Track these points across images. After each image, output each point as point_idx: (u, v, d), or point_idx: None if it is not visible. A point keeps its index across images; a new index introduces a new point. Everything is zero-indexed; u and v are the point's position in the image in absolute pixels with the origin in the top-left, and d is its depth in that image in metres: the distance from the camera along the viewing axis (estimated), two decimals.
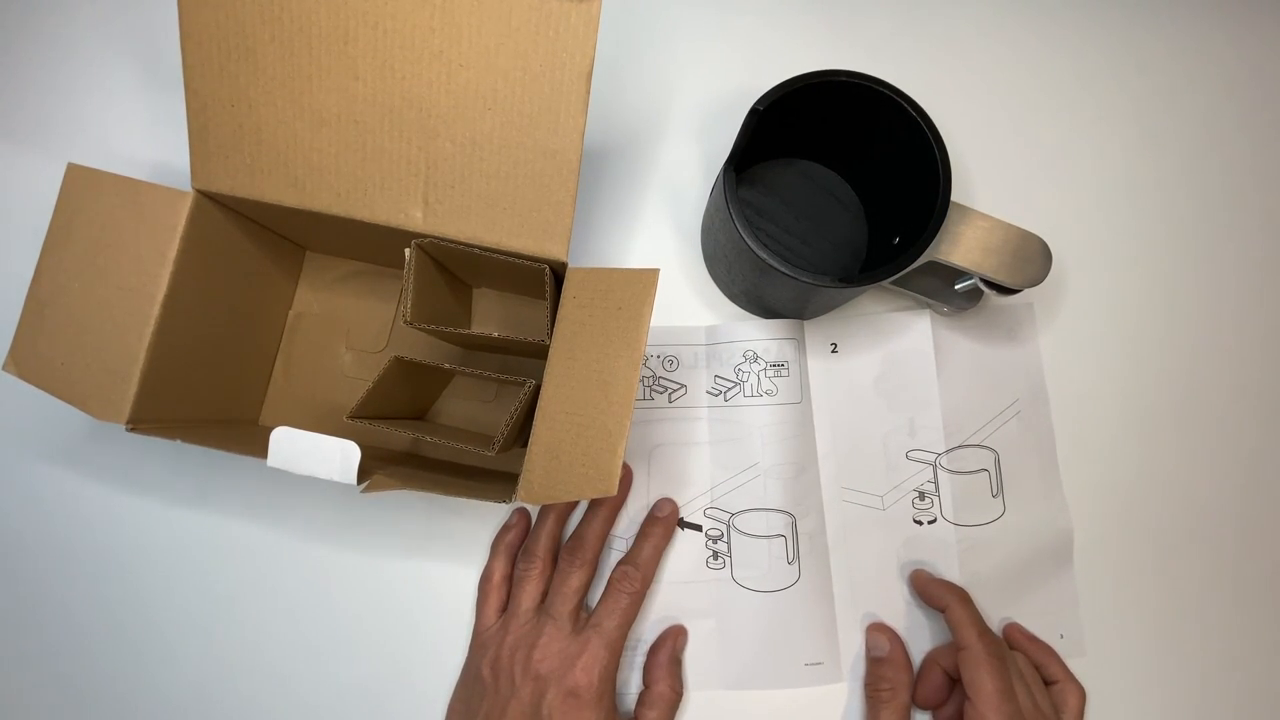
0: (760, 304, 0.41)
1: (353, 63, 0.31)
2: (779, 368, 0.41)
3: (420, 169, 0.32)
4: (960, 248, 0.35)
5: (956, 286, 0.40)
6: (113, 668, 0.40)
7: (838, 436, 0.41)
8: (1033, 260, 0.36)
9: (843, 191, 0.43)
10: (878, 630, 0.39)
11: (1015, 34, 0.46)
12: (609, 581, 0.37)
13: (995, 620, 0.40)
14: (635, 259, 0.43)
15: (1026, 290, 0.37)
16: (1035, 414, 0.42)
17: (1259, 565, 0.41)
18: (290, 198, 0.32)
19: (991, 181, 0.43)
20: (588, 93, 0.30)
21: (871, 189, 0.41)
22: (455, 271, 0.38)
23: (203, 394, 0.36)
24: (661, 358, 0.42)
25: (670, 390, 0.42)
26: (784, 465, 0.40)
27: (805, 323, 0.42)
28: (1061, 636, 0.40)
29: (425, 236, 0.32)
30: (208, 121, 0.32)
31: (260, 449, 0.31)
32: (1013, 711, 0.33)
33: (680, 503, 0.40)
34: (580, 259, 0.43)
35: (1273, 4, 0.47)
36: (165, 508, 0.41)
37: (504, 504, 0.32)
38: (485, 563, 0.40)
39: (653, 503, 0.40)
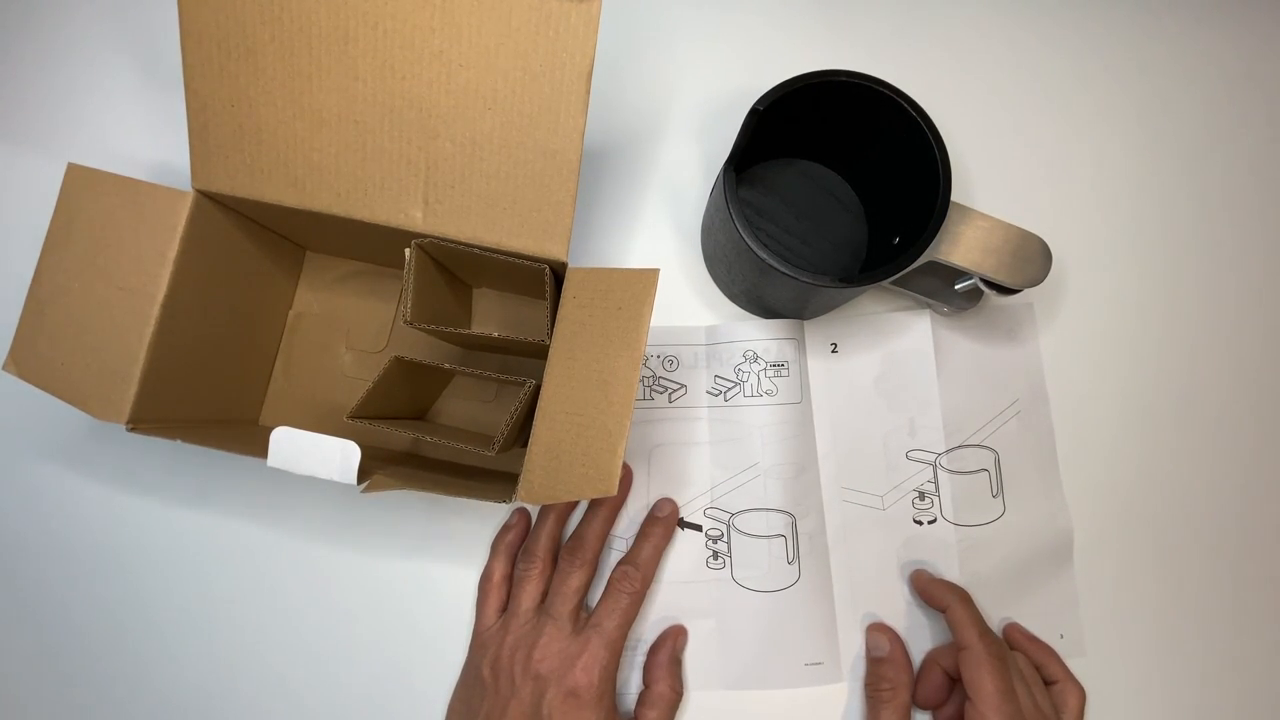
0: (760, 304, 0.41)
1: (353, 63, 0.31)
2: (779, 368, 0.41)
3: (420, 169, 0.32)
4: (960, 248, 0.35)
5: (956, 286, 0.40)
6: (112, 667, 0.40)
7: (838, 436, 0.41)
8: (1033, 260, 0.36)
9: (843, 191, 0.43)
10: (878, 630, 0.39)
11: (1015, 34, 0.46)
12: (609, 581, 0.37)
13: (995, 620, 0.40)
14: (635, 259, 0.43)
15: (1026, 290, 0.37)
16: (1035, 414, 0.42)
17: (1259, 565, 0.41)
18: (290, 198, 0.32)
19: (991, 181, 0.43)
20: (588, 93, 0.30)
21: (871, 189, 0.41)
22: (455, 271, 0.38)
23: (203, 394, 0.36)
24: (661, 358, 0.42)
25: (670, 390, 0.42)
26: (784, 465, 0.40)
27: (805, 323, 0.42)
28: (1061, 636, 0.40)
29: (425, 236, 0.32)
30: (208, 121, 0.32)
31: (260, 449, 0.31)
32: (1013, 711, 0.33)
33: (680, 503, 0.40)
34: (580, 259, 0.43)
35: (1273, 4, 0.47)
36: (165, 508, 0.41)
37: (504, 504, 0.32)
38: (485, 563, 0.40)
39: (653, 503, 0.40)
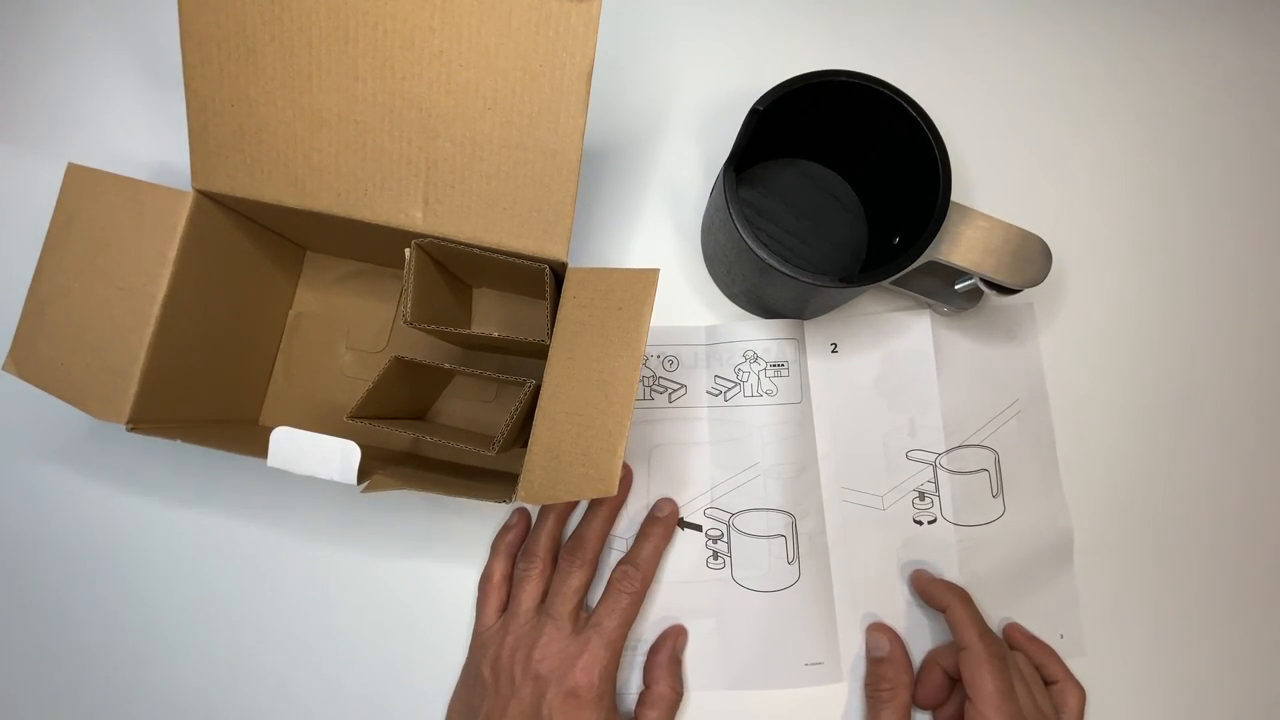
0: (760, 304, 0.41)
1: (353, 63, 0.31)
2: (779, 368, 0.41)
3: (420, 169, 0.32)
4: (960, 248, 0.35)
5: (956, 286, 0.40)
6: (112, 667, 0.40)
7: (838, 436, 0.41)
8: (1033, 260, 0.36)
9: (843, 191, 0.43)
10: (878, 630, 0.39)
11: (1015, 34, 0.46)
12: (609, 581, 0.37)
13: (995, 620, 0.40)
14: (635, 259, 0.43)
15: (1026, 290, 0.37)
16: (1035, 414, 0.42)
17: (1259, 565, 0.41)
18: (290, 198, 0.32)
19: (991, 181, 0.43)
20: (588, 93, 0.30)
21: (871, 189, 0.41)
22: (455, 271, 0.38)
23: (203, 394, 0.36)
24: (661, 358, 0.42)
25: (670, 390, 0.42)
26: (784, 465, 0.40)
27: (805, 323, 0.42)
28: (1061, 636, 0.40)
29: (425, 236, 0.32)
30: (208, 121, 0.32)
31: (260, 449, 0.31)
32: (1013, 711, 0.33)
33: (680, 503, 0.40)
34: (580, 259, 0.43)
35: (1273, 4, 0.47)
36: (165, 508, 0.41)
37: (504, 504, 0.32)
38: (485, 563, 0.40)
39: (653, 503, 0.40)
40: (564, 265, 0.32)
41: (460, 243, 0.32)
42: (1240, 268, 0.44)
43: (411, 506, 0.41)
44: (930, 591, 0.39)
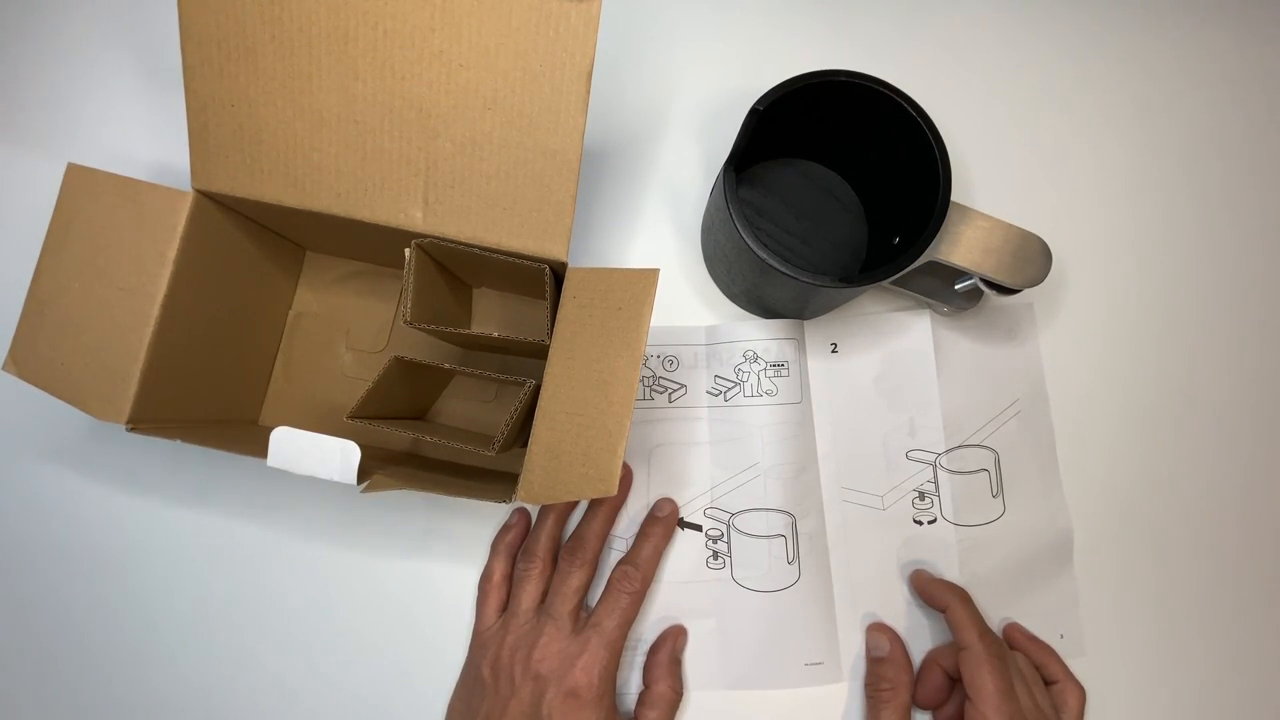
0: (760, 304, 0.41)
1: (353, 63, 0.31)
2: (779, 368, 0.41)
3: (420, 169, 0.32)
4: (960, 248, 0.35)
5: (956, 286, 0.40)
6: (112, 667, 0.40)
7: (838, 436, 0.41)
8: (1033, 260, 0.36)
9: (843, 191, 0.43)
10: (878, 630, 0.39)
11: (1016, 34, 0.46)
12: (609, 581, 0.37)
13: (995, 620, 0.40)
14: (635, 259, 0.43)
15: (1026, 290, 0.37)
16: (1035, 414, 0.42)
17: (1259, 565, 0.41)
18: (290, 198, 0.32)
19: (991, 181, 0.43)
20: (588, 93, 0.30)
21: (871, 189, 0.41)
22: (455, 271, 0.38)
23: (203, 394, 0.36)
24: (661, 358, 0.42)
25: (670, 390, 0.42)
26: (784, 465, 0.40)
27: (805, 323, 0.42)
28: (1061, 636, 0.40)
29: (425, 236, 0.32)
30: (208, 121, 0.32)
31: (260, 449, 0.31)
32: (1013, 711, 0.33)
33: (680, 503, 0.40)
34: (580, 259, 0.43)
35: (1273, 4, 0.47)
36: (165, 508, 0.41)
37: (504, 504, 0.32)
38: (485, 563, 0.40)
39: (653, 503, 0.40)
40: (564, 265, 0.32)
41: (460, 243, 0.32)
42: (1240, 268, 0.44)
43: (411, 506, 0.41)
44: (930, 591, 0.39)
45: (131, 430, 0.31)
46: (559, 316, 0.32)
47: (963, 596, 0.37)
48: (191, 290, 0.33)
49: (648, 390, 0.42)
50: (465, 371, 0.34)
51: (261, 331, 0.40)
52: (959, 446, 0.41)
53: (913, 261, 0.34)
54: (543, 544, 0.38)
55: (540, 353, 0.33)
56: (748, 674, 0.39)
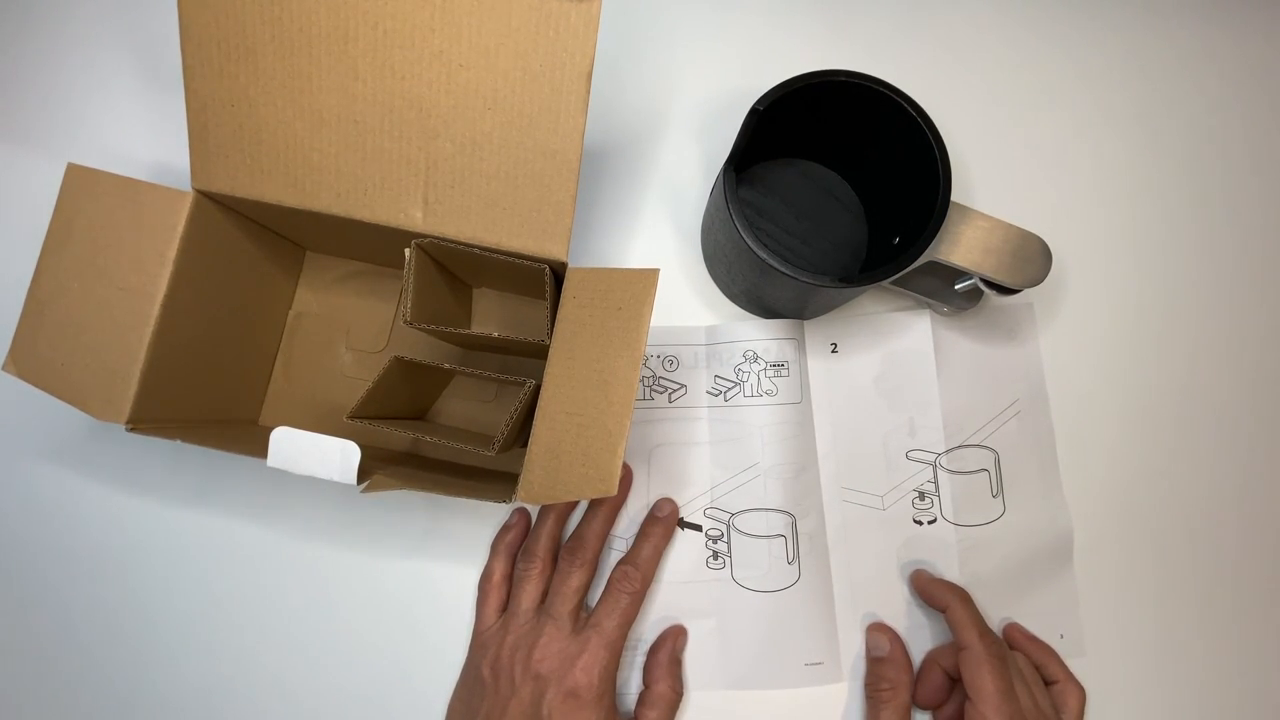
0: (760, 304, 0.41)
1: (353, 63, 0.31)
2: (779, 368, 0.41)
3: (420, 169, 0.32)
4: (960, 248, 0.35)
5: (956, 286, 0.40)
6: (112, 667, 0.40)
7: (838, 436, 0.41)
8: (1033, 260, 0.36)
9: (843, 191, 0.43)
10: (878, 630, 0.39)
11: (1015, 34, 0.46)
12: (609, 581, 0.37)
13: (995, 620, 0.40)
14: (635, 259, 0.43)
15: (1026, 290, 0.37)
16: (1035, 414, 0.42)
17: (1259, 565, 0.41)
18: (290, 198, 0.32)
19: (991, 181, 0.43)
20: (588, 93, 0.30)
21: (871, 189, 0.41)
22: (455, 271, 0.38)
23: (203, 394, 0.36)
24: (661, 358, 0.42)
25: (670, 390, 0.42)
26: (784, 465, 0.40)
27: (805, 323, 0.42)
28: (1061, 636, 0.40)
29: (425, 236, 0.32)
30: (208, 121, 0.32)
31: (260, 449, 0.31)
32: (1013, 711, 0.33)
33: (680, 503, 0.40)
34: (580, 259, 0.43)
35: (1273, 4, 0.47)
36: (165, 508, 0.41)
37: (504, 504, 0.32)
38: (485, 563, 0.40)
39: (653, 503, 0.40)
40: (564, 265, 0.32)
41: (460, 243, 0.32)
42: (1240, 268, 0.44)
43: (411, 506, 0.41)
44: (930, 591, 0.39)
45: (131, 430, 0.31)
46: (559, 316, 0.32)
47: (963, 596, 0.37)
48: (191, 290, 0.33)
49: (648, 390, 0.42)
50: (465, 371, 0.34)
51: (261, 331, 0.40)
52: (959, 446, 0.41)
53: (913, 261, 0.34)
54: (543, 544, 0.38)
55: (540, 353, 0.33)
56: (748, 674, 0.39)
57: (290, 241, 0.41)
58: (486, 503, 0.35)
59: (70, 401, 0.31)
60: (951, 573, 0.40)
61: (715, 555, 0.40)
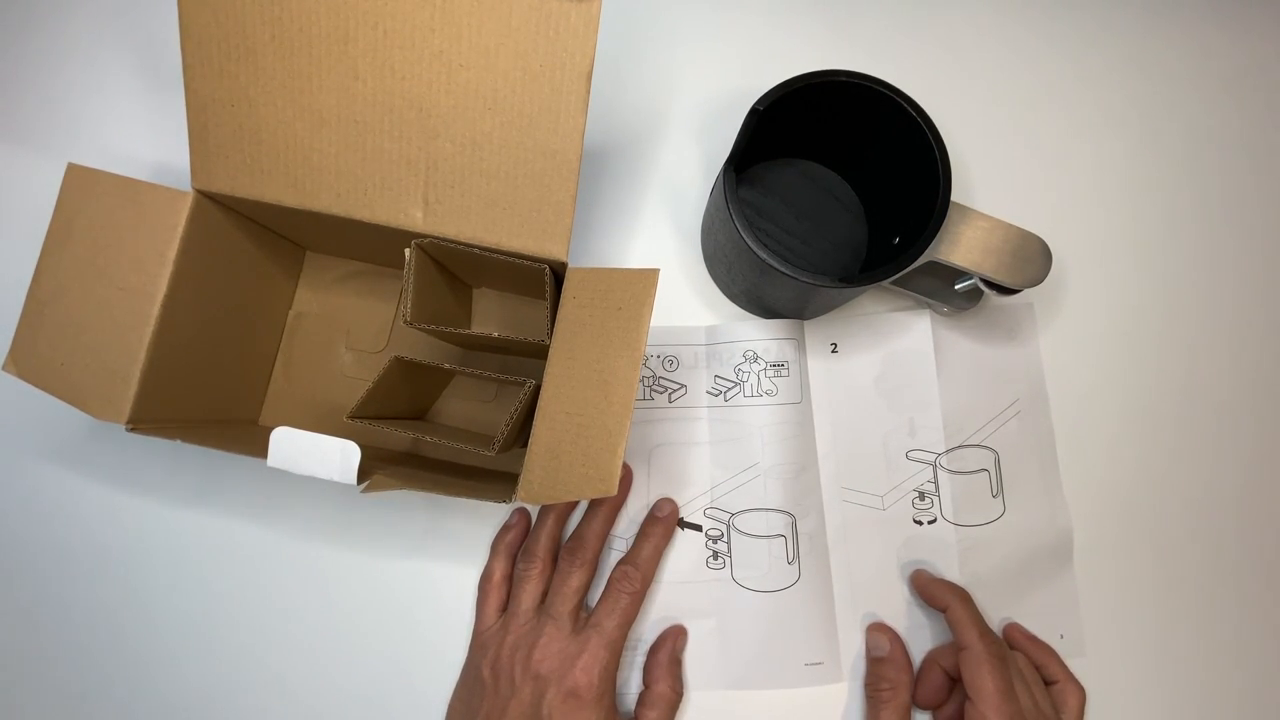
0: (760, 304, 0.41)
1: (353, 63, 0.31)
2: (779, 368, 0.41)
3: (420, 169, 0.32)
4: (960, 248, 0.35)
5: (956, 286, 0.40)
6: (112, 667, 0.40)
7: (838, 436, 0.41)
8: (1033, 260, 0.36)
9: (843, 191, 0.43)
10: (878, 630, 0.39)
11: (1015, 34, 0.46)
12: (609, 581, 0.37)
13: (995, 620, 0.40)
14: (635, 259, 0.43)
15: (1026, 290, 0.37)
16: (1035, 414, 0.42)
17: (1259, 565, 0.41)
18: (290, 198, 0.32)
19: (991, 181, 0.43)
20: (588, 93, 0.30)
21: (871, 189, 0.41)
22: (455, 271, 0.38)
23: (203, 394, 0.36)
24: (661, 358, 0.42)
25: (670, 390, 0.42)
26: (784, 465, 0.40)
27: (805, 323, 0.42)
28: (1061, 636, 0.40)
29: (425, 236, 0.32)
30: (208, 121, 0.32)
31: (260, 449, 0.31)
32: (1013, 711, 0.33)
33: (680, 503, 0.40)
34: (580, 259, 0.43)
35: (1273, 4, 0.47)
36: (165, 508, 0.41)
37: (504, 504, 0.32)
38: (485, 563, 0.40)
39: (653, 503, 0.40)
40: (564, 265, 0.32)
41: (460, 243, 0.32)
42: (1240, 267, 0.44)
43: (411, 506, 0.41)
44: (930, 591, 0.39)
45: (131, 430, 0.31)
46: (559, 316, 0.32)
47: (963, 596, 0.37)
48: (191, 290, 0.33)
49: (648, 390, 0.42)
50: (465, 371, 0.34)
51: (261, 331, 0.40)
52: (959, 446, 0.41)
53: (913, 261, 0.34)
54: (543, 544, 0.38)
55: (540, 353, 0.33)
56: (748, 674, 0.39)
57: (290, 241, 0.41)
58: (486, 503, 0.35)
59: (70, 401, 0.31)
60: (951, 573, 0.40)
61: (715, 555, 0.40)
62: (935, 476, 0.41)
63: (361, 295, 0.42)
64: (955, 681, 0.38)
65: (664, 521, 0.39)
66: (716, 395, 0.41)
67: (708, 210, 0.41)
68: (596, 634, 0.35)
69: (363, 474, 0.30)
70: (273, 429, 0.30)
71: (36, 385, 0.31)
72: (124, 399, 0.31)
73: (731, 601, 0.39)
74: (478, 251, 0.32)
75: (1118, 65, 0.46)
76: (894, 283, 0.36)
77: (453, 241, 0.32)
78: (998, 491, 0.41)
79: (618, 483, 0.29)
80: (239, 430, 0.38)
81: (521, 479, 0.30)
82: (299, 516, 0.41)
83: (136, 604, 0.40)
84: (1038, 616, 0.40)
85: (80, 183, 0.32)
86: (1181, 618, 0.41)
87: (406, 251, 0.33)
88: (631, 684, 0.39)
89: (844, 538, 0.40)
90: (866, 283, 0.34)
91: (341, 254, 0.42)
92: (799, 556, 0.40)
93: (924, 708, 0.38)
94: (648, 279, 0.30)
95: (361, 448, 0.30)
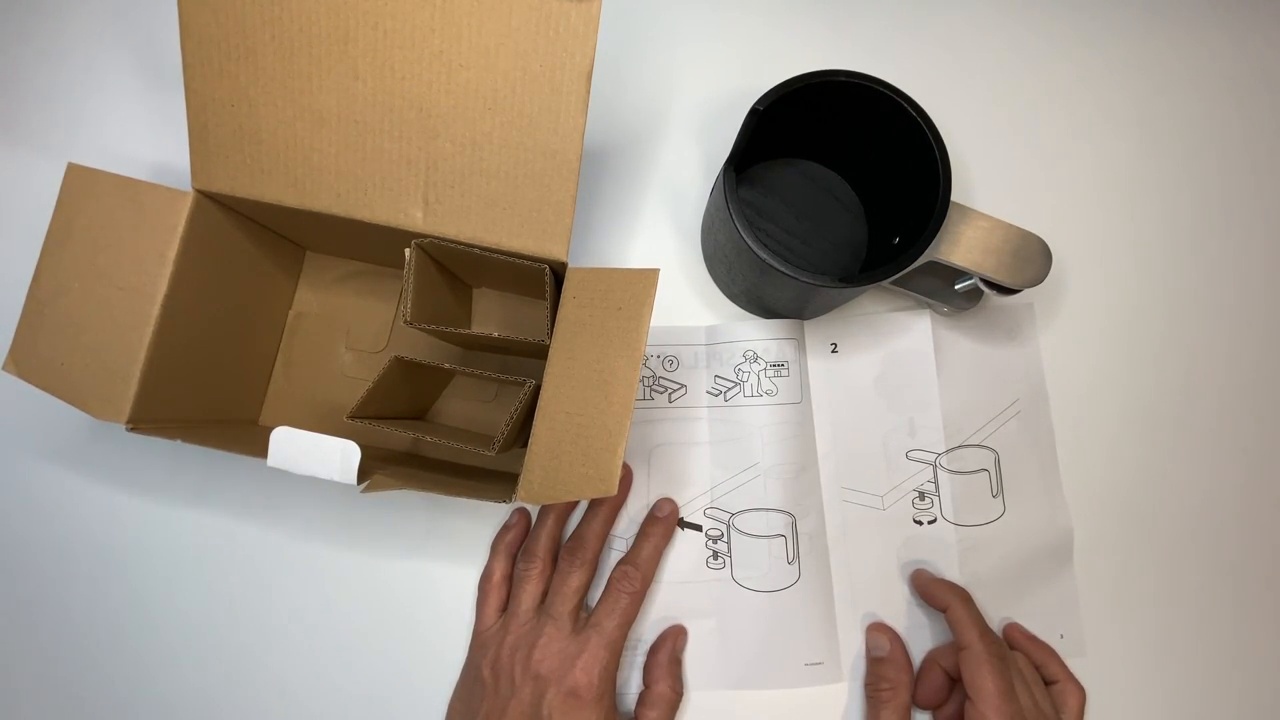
0: (760, 304, 0.41)
1: (353, 63, 0.31)
2: (779, 368, 0.41)
3: (420, 169, 0.32)
4: (960, 248, 0.35)
5: (956, 286, 0.40)
6: (112, 667, 0.40)
7: (838, 436, 0.41)
8: (1033, 260, 0.36)
9: (843, 191, 0.43)
10: (878, 630, 0.39)
11: (1015, 34, 0.46)
12: (609, 581, 0.37)
13: (995, 620, 0.40)
14: (635, 259, 0.43)
15: (1026, 290, 0.37)
16: (1035, 414, 0.42)
17: (1259, 565, 0.41)
18: (290, 198, 0.32)
19: (991, 181, 0.43)
20: (588, 93, 0.30)
21: (871, 189, 0.41)
22: (455, 271, 0.38)
23: (203, 394, 0.36)
24: (661, 358, 0.42)
25: (670, 390, 0.42)
26: (784, 465, 0.40)
27: (805, 323, 0.42)
28: (1061, 636, 0.40)
29: (425, 236, 0.32)
30: (208, 121, 0.32)
31: (260, 449, 0.31)
32: (1013, 711, 0.33)
33: (680, 503, 0.40)
34: (580, 259, 0.43)
35: (1273, 4, 0.47)
36: (165, 508, 0.41)
37: (504, 504, 0.32)
38: (485, 563, 0.40)
39: (653, 503, 0.40)
40: (564, 265, 0.32)
41: (460, 243, 0.32)
42: (1240, 268, 0.44)
43: (411, 506, 0.41)
44: (930, 591, 0.39)
45: (131, 430, 0.31)
46: (559, 316, 0.32)
47: (963, 596, 0.37)
48: (191, 290, 0.33)
49: (648, 390, 0.42)
50: (465, 371, 0.34)
51: (261, 331, 0.40)
52: (959, 446, 0.41)
53: (913, 261, 0.34)
54: (543, 544, 0.38)
55: (540, 353, 0.33)
56: (748, 674, 0.39)
57: (290, 241, 0.41)
58: (486, 503, 0.35)
59: (70, 401, 0.31)
60: (951, 573, 0.40)
61: (715, 555, 0.40)
62: (935, 476, 0.41)
63: (361, 295, 0.42)
64: (955, 681, 0.38)
65: (664, 521, 0.39)
66: (716, 395, 0.41)
67: (708, 210, 0.41)
68: (596, 634, 0.35)
69: (363, 474, 0.30)
70: (273, 429, 0.30)
71: (36, 385, 0.31)
72: (124, 399, 0.31)
73: (731, 601, 0.39)
74: (478, 251, 0.32)
75: (1118, 65, 0.46)
76: (894, 283, 0.37)
77: (453, 241, 0.32)
78: (998, 491, 0.41)
79: (618, 483, 0.29)
80: (239, 430, 0.38)
81: (521, 479, 0.30)
82: (299, 516, 0.41)
83: (137, 604, 0.40)
84: (1038, 616, 0.40)
85: (80, 183, 0.32)
86: (1181, 618, 0.41)
87: (406, 251, 0.33)
88: (631, 684, 0.39)
89: (844, 538, 0.40)
90: (866, 283, 0.34)
91: (341, 254, 0.42)
92: (799, 556, 0.40)
93: (924, 708, 0.38)
94: (648, 279, 0.30)
95: (361, 448, 0.30)
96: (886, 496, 0.41)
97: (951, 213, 0.34)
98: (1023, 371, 0.42)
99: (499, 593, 0.38)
